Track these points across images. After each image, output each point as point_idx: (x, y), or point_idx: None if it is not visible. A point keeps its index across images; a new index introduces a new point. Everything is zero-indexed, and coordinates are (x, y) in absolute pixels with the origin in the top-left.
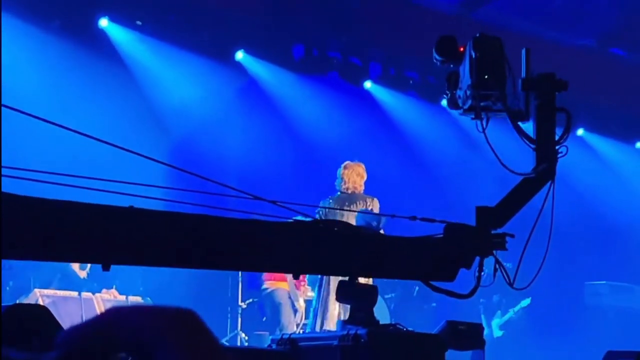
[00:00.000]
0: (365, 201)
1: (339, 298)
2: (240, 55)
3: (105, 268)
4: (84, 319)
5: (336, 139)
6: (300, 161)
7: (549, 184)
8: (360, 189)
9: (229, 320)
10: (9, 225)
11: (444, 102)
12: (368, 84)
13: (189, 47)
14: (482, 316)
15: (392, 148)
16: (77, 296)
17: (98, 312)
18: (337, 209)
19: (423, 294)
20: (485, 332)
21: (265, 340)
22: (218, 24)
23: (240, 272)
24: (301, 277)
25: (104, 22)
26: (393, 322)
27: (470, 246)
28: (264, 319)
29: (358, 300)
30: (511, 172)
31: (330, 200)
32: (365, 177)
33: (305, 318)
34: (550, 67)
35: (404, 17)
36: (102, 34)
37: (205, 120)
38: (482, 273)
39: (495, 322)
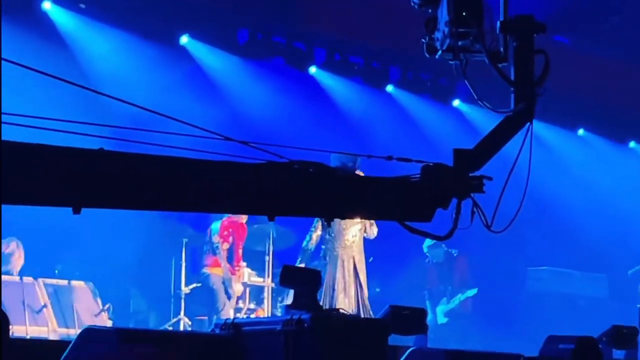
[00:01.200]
0: None
1: (283, 282)
2: (184, 39)
3: (76, 211)
4: (25, 304)
5: (281, 124)
6: (245, 146)
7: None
8: None
9: (172, 306)
10: None
11: (389, 88)
12: (313, 69)
13: (132, 30)
14: (427, 302)
15: (337, 133)
16: (19, 281)
17: (39, 296)
18: None
19: (368, 280)
20: (430, 318)
21: (205, 324)
22: (162, 7)
23: (183, 257)
24: (235, 262)
25: (47, 5)
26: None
27: (447, 187)
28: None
29: (302, 285)
30: (488, 109)
31: None
32: None
33: (251, 302)
34: None
35: (349, 2)
36: (45, 17)
37: (149, 104)
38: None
39: (441, 308)
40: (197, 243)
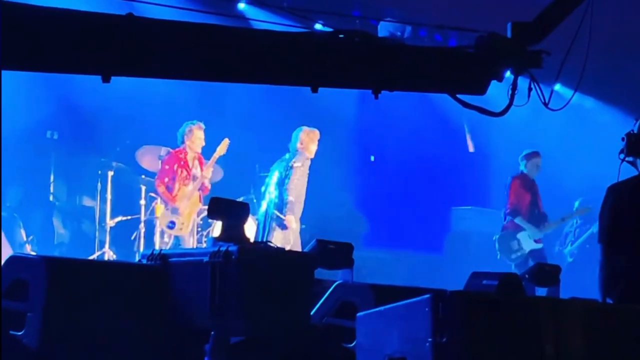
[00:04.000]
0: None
1: (211, 214)
2: None
3: (106, 80)
4: None
5: None
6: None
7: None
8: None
9: (96, 239)
10: (7, 33)
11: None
12: None
13: None
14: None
15: None
16: None
17: None
18: None
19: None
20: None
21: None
22: None
23: (108, 190)
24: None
25: None
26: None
27: (502, 57)
28: (133, 236)
29: (230, 218)
30: None
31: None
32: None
33: None
34: None
35: None
36: None
37: None
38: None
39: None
40: (124, 177)
